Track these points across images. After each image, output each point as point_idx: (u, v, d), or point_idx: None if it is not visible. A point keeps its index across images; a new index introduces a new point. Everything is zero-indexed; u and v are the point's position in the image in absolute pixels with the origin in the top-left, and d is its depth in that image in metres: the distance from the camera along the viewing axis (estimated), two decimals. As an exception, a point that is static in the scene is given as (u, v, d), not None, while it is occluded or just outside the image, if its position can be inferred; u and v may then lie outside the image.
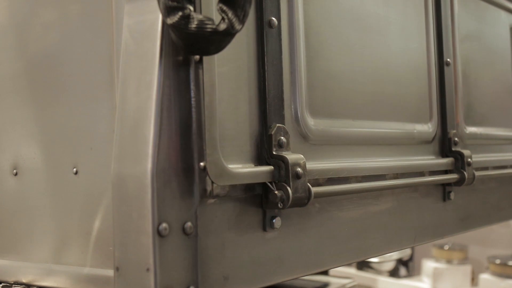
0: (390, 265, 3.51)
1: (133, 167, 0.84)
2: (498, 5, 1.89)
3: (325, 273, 2.25)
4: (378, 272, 3.54)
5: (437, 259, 3.43)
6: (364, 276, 3.56)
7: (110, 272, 0.89)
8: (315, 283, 2.00)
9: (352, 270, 3.59)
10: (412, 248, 3.49)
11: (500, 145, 1.85)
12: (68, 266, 1.08)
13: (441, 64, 1.55)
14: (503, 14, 1.92)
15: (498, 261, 3.09)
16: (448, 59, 1.56)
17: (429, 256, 3.50)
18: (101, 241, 1.02)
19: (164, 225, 0.83)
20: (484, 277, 3.14)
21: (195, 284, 0.88)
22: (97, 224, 1.02)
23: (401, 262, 3.51)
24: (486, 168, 1.68)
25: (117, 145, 0.87)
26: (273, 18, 1.05)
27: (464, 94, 1.65)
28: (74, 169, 1.07)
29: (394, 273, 3.51)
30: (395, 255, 3.40)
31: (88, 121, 1.06)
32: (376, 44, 1.34)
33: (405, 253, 3.46)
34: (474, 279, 3.38)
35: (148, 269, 0.82)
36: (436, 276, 3.33)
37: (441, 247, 3.42)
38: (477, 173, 1.55)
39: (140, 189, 0.83)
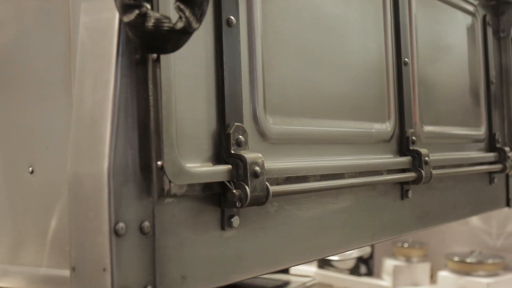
0: (350, 263, 3.53)
1: (89, 166, 0.83)
2: (455, 6, 1.92)
3: (286, 271, 2.26)
4: (339, 270, 3.56)
5: (396, 257, 3.47)
6: (325, 274, 3.58)
7: (66, 272, 0.88)
8: (275, 282, 2.00)
9: (313, 269, 3.61)
10: (372, 246, 3.52)
11: (457, 144, 1.88)
12: (24, 267, 1.07)
13: (399, 63, 1.56)
14: (460, 14, 1.95)
15: (456, 258, 3.13)
16: (406, 59, 1.58)
17: (389, 254, 3.53)
18: (58, 241, 1.01)
19: (121, 224, 0.82)
20: (443, 274, 3.18)
21: (153, 284, 0.87)
22: (53, 223, 1.01)
23: (361, 260, 3.54)
24: (443, 167, 1.71)
25: (73, 144, 0.86)
26: (232, 17, 1.05)
27: (422, 94, 1.67)
28: (30, 168, 1.05)
29: (354, 271, 3.54)
30: (355, 253, 3.42)
31: (44, 120, 1.05)
32: (335, 44, 1.35)
33: (365, 251, 3.49)
34: (433, 277, 3.42)
35: (104, 269, 0.81)
36: (395, 273, 3.36)
37: (400, 245, 3.45)
38: (434, 172, 1.57)
39: (97, 188, 0.82)
